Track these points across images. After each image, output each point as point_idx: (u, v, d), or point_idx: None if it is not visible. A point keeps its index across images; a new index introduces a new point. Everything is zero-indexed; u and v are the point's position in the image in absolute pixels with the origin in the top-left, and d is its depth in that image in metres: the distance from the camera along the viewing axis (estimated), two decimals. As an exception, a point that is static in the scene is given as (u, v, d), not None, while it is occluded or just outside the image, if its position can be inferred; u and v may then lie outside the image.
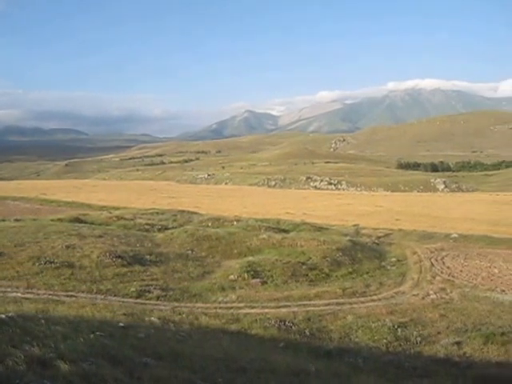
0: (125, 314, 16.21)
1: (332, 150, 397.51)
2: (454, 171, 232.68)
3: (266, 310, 20.92)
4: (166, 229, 43.42)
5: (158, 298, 22.21)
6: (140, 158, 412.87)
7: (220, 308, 21.27)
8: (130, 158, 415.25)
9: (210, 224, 47.19)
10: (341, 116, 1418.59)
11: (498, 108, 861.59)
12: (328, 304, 22.73)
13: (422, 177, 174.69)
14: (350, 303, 23.15)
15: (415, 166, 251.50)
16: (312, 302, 22.92)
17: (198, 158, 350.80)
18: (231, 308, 21.28)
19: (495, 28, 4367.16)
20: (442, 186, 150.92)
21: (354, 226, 55.06)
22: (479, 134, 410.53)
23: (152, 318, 16.41)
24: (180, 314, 19.24)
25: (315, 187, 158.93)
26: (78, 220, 45.85)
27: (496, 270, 32.87)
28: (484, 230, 53.09)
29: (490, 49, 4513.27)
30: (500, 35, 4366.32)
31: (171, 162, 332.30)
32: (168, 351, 9.71)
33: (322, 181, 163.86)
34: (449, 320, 20.70)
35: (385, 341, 17.75)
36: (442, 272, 31.97)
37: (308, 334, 18.10)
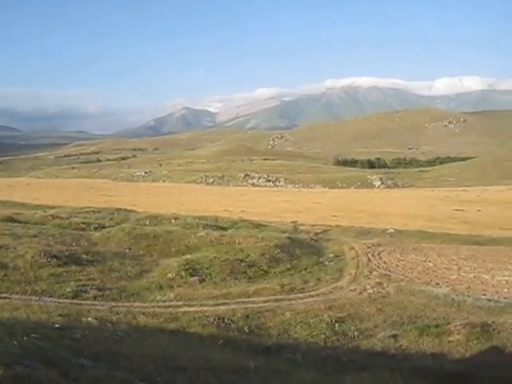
0: (61, 315, 15.86)
1: (270, 147, 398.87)
2: (390, 168, 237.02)
3: (205, 308, 20.81)
4: (103, 227, 42.65)
5: (94, 297, 21.80)
6: (76, 155, 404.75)
7: (158, 307, 21.05)
8: (66, 156, 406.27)
9: (147, 222, 46.67)
10: (279, 113, 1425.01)
11: (433, 106, 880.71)
12: (267, 301, 22.78)
13: (359, 173, 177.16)
14: (289, 299, 23.26)
15: (352, 163, 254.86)
16: (251, 299, 22.92)
17: (135, 156, 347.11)
18: (169, 307, 21.09)
19: (430, 27, 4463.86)
20: (379, 183, 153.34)
21: (292, 222, 55.40)
22: (415, 131, 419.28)
23: (89, 319, 16.12)
24: (118, 313, 18.97)
25: (253, 184, 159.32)
26: (11, 219, 44.61)
27: (431, 264, 33.59)
28: (419, 225, 54.30)
29: (425, 48, 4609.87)
30: (434, 35, 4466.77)
31: (108, 160, 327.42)
32: (105, 351, 9.55)
33: (260, 178, 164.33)
34: (385, 314, 21.04)
35: (323, 336, 17.90)
36: (378, 267, 32.46)
37: (247, 331, 18.11)
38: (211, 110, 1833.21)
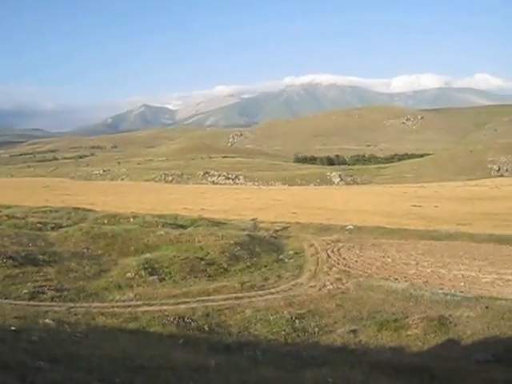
0: (17, 317, 15.60)
1: (230, 144, 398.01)
2: (349, 165, 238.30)
3: (165, 307, 20.74)
4: (60, 227, 42.04)
5: (52, 299, 21.56)
6: (31, 153, 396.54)
7: (117, 307, 20.91)
8: (21, 154, 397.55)
9: (105, 221, 46.26)
10: (238, 110, 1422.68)
11: (391, 103, 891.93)
12: (227, 299, 22.81)
13: (319, 170, 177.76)
14: (249, 297, 23.32)
15: (312, 160, 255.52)
16: (211, 298, 22.93)
17: (93, 154, 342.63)
18: (129, 306, 20.98)
19: (387, 26, 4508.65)
20: (338, 179, 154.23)
21: (252, 220, 55.43)
22: (373, 128, 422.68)
23: (46, 320, 15.93)
24: (76, 314, 18.80)
25: (213, 182, 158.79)
26: (-36, 220, 43.84)
27: (389, 260, 34.01)
28: (378, 221, 54.77)
29: (383, 46, 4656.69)
30: (392, 33, 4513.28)
31: (65, 158, 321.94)
32: (63, 353, 9.43)
33: (219, 176, 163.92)
34: (345, 309, 21.27)
35: (283, 333, 18.02)
36: (338, 263, 32.72)
37: (207, 329, 18.11)
38: (170, 107, 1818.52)
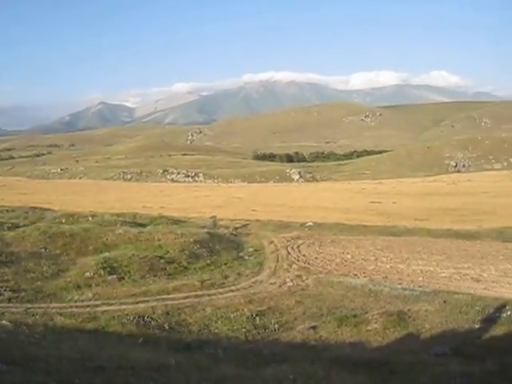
0: (-28, 320, 15.32)
1: (189, 142, 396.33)
2: (308, 161, 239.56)
3: (124, 307, 20.55)
4: (17, 227, 41.27)
5: (9, 300, 21.16)
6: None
7: (76, 307, 20.64)
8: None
9: (63, 220, 45.59)
10: (197, 108, 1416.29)
11: (350, 100, 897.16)
12: (187, 297, 22.72)
13: (278, 167, 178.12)
14: (209, 295, 23.27)
15: (271, 157, 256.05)
16: (171, 296, 22.81)
17: (50, 152, 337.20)
18: (88, 306, 20.73)
19: (346, 23, 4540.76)
20: (297, 176, 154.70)
21: (212, 217, 55.28)
22: (332, 125, 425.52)
23: (3, 322, 15.61)
24: (34, 315, 18.50)
25: (172, 180, 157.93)
26: None
27: (349, 256, 34.27)
28: (337, 217, 55.14)
29: (342, 43, 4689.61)
30: (351, 31, 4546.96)
31: (21, 157, 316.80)
32: (21, 355, 9.24)
33: (178, 173, 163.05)
34: (305, 306, 21.37)
35: (244, 330, 18.01)
36: (298, 260, 32.86)
37: (167, 327, 18.02)
38: (128, 104, 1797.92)
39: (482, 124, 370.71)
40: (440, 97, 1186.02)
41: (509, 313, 17.91)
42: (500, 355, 12.21)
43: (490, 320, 17.50)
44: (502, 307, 18.73)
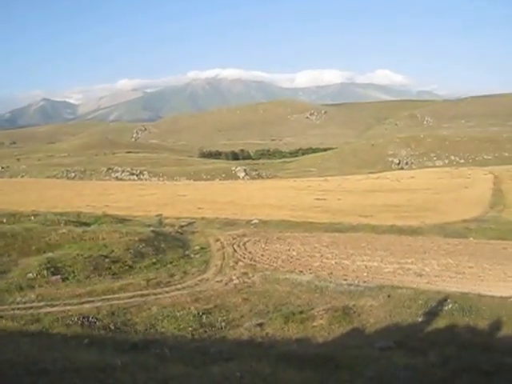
0: None
1: (133, 139, 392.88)
2: (254, 159, 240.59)
3: (69, 308, 20.22)
4: (-44, 228, 40.36)
5: (-52, 303, 20.65)
6: None
7: (18, 309, 20.17)
8: None
9: (4, 220, 44.64)
10: (142, 105, 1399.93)
11: (295, 98, 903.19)
12: (132, 296, 22.52)
13: (224, 165, 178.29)
14: (155, 294, 23.13)
15: (217, 155, 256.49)
16: (116, 296, 22.57)
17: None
18: (31, 308, 20.29)
19: (292, 22, 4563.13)
20: (243, 174, 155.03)
21: (157, 216, 54.97)
22: (278, 122, 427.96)
23: None
24: (-26, 318, 18.07)
25: (117, 178, 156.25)
26: None
27: (294, 253, 34.52)
28: (283, 214, 55.44)
29: (287, 41, 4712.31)
30: (296, 29, 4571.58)
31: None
32: (-39, 360, 9.03)
33: (123, 171, 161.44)
34: (251, 303, 21.42)
35: (190, 328, 17.95)
36: (244, 257, 32.95)
37: (113, 328, 17.82)
38: (72, 101, 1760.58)
39: (425, 122, 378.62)
40: (384, 95, 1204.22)
41: (450, 306, 18.33)
42: (442, 347, 12.50)
43: (433, 313, 17.87)
44: (443, 300, 19.15)
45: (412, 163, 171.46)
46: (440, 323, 16.70)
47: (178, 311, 19.73)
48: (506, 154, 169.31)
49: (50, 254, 29.66)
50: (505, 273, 28.13)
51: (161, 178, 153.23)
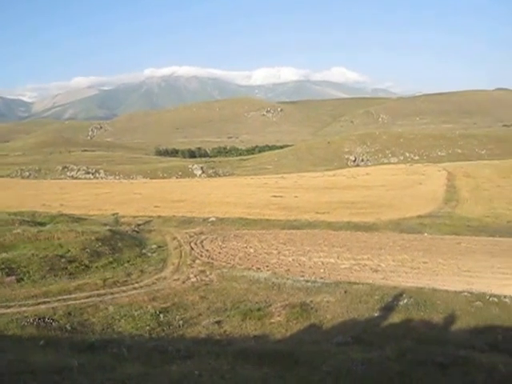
0: None
1: (89, 137, 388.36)
2: (211, 157, 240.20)
3: (24, 309, 19.91)
4: None
5: None
6: None
7: (-29, 311, 19.85)
8: None
9: (-43, 221, 43.76)
10: (97, 103, 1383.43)
11: (252, 95, 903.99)
12: (89, 296, 22.29)
13: (181, 163, 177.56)
14: (112, 293, 22.95)
15: (173, 153, 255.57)
16: (72, 296, 22.29)
17: None
18: (-16, 310, 19.98)
19: (248, 19, 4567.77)
20: (200, 172, 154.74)
21: (113, 214, 54.58)
22: (234, 120, 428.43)
23: None
24: None
25: (72, 177, 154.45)
26: None
27: (252, 250, 34.66)
28: (240, 212, 55.53)
29: (244, 38, 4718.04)
30: (253, 26, 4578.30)
31: None
32: None
33: (79, 170, 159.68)
34: (209, 301, 21.43)
35: (148, 328, 17.87)
36: (201, 255, 32.96)
37: (69, 328, 17.59)
38: (25, 99, 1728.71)
39: (380, 120, 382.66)
40: (340, 93, 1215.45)
41: (405, 301, 18.60)
42: (398, 341, 12.67)
43: (389, 308, 18.11)
44: (399, 295, 19.42)
45: (367, 160, 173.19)
46: (396, 318, 16.94)
47: (136, 310, 19.61)
48: (459, 151, 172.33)
49: (4, 255, 29.09)
50: (459, 267, 28.74)
51: (117, 177, 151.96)
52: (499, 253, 33.00)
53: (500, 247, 35.11)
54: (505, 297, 19.33)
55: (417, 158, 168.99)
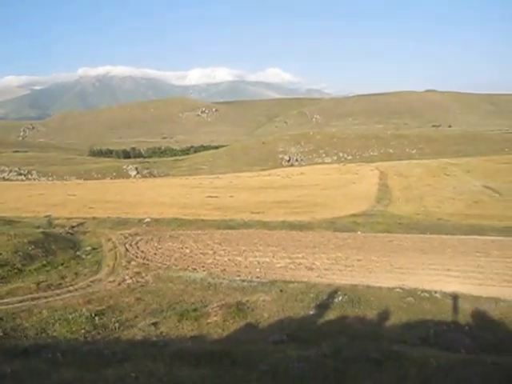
0: None
1: (21, 138, 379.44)
2: (145, 157, 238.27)
3: (-47, 315, 19.42)
4: None
5: None
6: None
7: None
8: None
9: None
10: (29, 102, 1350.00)
11: (186, 95, 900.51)
12: (22, 300, 21.83)
13: (115, 164, 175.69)
14: (46, 297, 22.54)
15: (108, 153, 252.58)
16: (4, 301, 21.79)
17: None
18: None
19: (183, 20, 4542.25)
20: (135, 173, 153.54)
21: (47, 216, 53.49)
22: (169, 120, 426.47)
23: None
24: None
25: (3, 178, 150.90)
26: None
27: (187, 251, 34.59)
28: (175, 212, 55.32)
29: (179, 38, 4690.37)
30: (188, 27, 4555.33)
31: None
32: None
33: (10, 171, 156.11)
34: (145, 303, 21.31)
35: (83, 331, 17.63)
36: (137, 256, 32.73)
37: (1, 334, 17.20)
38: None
39: (314, 120, 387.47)
40: (274, 93, 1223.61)
41: (340, 298, 18.94)
42: (333, 338, 12.88)
43: (324, 306, 18.39)
44: (334, 293, 19.75)
45: (302, 160, 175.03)
46: (331, 315, 17.22)
47: (70, 314, 19.32)
48: (391, 151, 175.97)
49: None
50: (391, 264, 29.37)
51: (50, 178, 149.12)
52: (430, 249, 33.85)
53: (430, 244, 36.00)
54: (435, 292, 19.92)
55: (350, 157, 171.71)
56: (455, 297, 19.26)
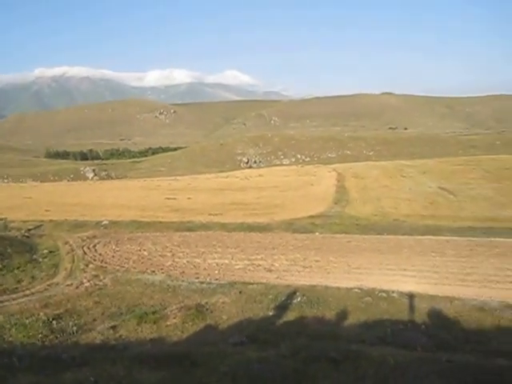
0: None
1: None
2: (103, 159, 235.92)
3: None
4: None
5: None
6: None
7: None
8: None
9: None
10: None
11: (144, 97, 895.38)
12: (-24, 306, 21.52)
13: (72, 166, 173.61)
14: (1, 301, 22.23)
15: (64, 155, 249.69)
16: (-42, 305, 21.46)
17: None
18: None
19: (140, 20, 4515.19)
20: (92, 175, 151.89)
21: (2, 219, 52.61)
22: (127, 122, 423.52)
23: None
24: None
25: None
26: None
27: (146, 253, 34.46)
28: (133, 215, 54.99)
29: (137, 40, 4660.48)
30: (145, 28, 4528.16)
31: None
32: None
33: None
34: (103, 306, 21.15)
35: (40, 336, 17.42)
36: (94, 259, 32.50)
37: (-45, 340, 16.95)
38: None
39: (272, 122, 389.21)
40: (232, 95, 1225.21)
41: (299, 299, 19.11)
42: (292, 339, 12.98)
43: (283, 307, 18.52)
44: (293, 294, 19.92)
45: (260, 162, 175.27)
46: (290, 316, 17.35)
47: (27, 318, 19.06)
48: (348, 153, 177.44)
49: None
50: (349, 265, 29.72)
51: (5, 180, 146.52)
52: (387, 250, 34.34)
53: (387, 244, 36.51)
54: (393, 292, 20.24)
55: (308, 159, 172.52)
56: (412, 296, 19.61)
